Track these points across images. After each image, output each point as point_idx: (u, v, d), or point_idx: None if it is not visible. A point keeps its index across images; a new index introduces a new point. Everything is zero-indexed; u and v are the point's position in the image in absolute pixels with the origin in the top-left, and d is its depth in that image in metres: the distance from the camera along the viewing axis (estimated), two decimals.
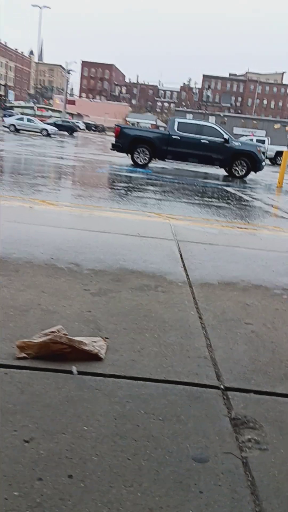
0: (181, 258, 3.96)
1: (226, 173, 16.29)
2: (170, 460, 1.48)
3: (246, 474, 1.46)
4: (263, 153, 17.15)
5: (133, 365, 2.02)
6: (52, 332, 2.05)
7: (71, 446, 1.50)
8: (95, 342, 2.13)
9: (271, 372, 2.11)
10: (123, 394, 1.80)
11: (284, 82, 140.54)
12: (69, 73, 71.87)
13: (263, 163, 16.26)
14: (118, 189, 9.39)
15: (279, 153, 32.34)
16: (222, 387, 1.93)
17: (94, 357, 2.02)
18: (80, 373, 1.92)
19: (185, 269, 3.62)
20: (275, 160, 33.02)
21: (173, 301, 2.88)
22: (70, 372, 1.91)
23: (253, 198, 10.41)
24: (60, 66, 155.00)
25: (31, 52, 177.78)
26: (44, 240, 4.03)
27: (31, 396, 1.73)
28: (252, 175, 16.32)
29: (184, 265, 3.73)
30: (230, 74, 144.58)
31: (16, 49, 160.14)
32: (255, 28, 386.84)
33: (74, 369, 1.92)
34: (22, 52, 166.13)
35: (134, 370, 1.99)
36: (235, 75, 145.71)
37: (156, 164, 17.74)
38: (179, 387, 1.90)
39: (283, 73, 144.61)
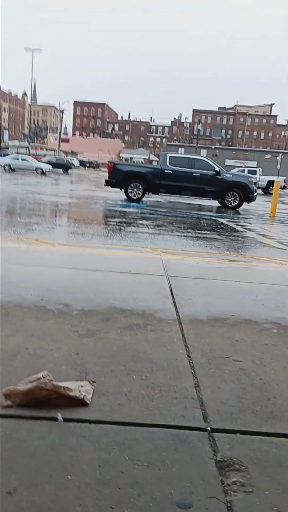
0: (172, 294, 3.98)
1: (219, 204, 16.50)
2: (153, 507, 1.47)
3: None
4: (255, 183, 17.44)
5: (120, 409, 2.02)
6: (38, 378, 2.05)
7: (55, 497, 1.49)
8: (81, 386, 2.13)
9: (258, 411, 2.10)
10: (108, 440, 1.79)
11: (273, 113, 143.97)
12: (62, 112, 73.57)
13: (255, 194, 16.52)
14: (111, 224, 9.48)
15: (270, 183, 32.92)
16: (208, 428, 1.92)
17: (80, 403, 2.02)
18: (65, 419, 1.91)
19: (175, 306, 3.64)
20: (267, 189, 33.59)
21: (162, 340, 2.88)
22: (56, 419, 1.90)
23: (246, 228, 10.52)
24: (53, 106, 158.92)
25: (25, 93, 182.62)
26: (35, 281, 4.06)
27: (15, 446, 1.72)
28: (245, 205, 16.53)
29: (174, 302, 3.75)
30: (219, 108, 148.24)
31: (10, 91, 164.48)
32: (244, 62, 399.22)
33: (59, 416, 1.91)
34: (16, 95, 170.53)
35: (120, 414, 1.98)
36: (224, 108, 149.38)
37: (150, 198, 17.97)
38: (165, 431, 1.89)
39: (271, 105, 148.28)
